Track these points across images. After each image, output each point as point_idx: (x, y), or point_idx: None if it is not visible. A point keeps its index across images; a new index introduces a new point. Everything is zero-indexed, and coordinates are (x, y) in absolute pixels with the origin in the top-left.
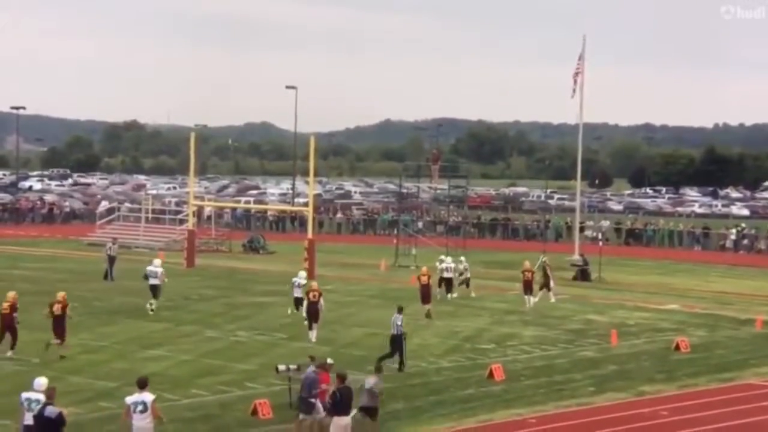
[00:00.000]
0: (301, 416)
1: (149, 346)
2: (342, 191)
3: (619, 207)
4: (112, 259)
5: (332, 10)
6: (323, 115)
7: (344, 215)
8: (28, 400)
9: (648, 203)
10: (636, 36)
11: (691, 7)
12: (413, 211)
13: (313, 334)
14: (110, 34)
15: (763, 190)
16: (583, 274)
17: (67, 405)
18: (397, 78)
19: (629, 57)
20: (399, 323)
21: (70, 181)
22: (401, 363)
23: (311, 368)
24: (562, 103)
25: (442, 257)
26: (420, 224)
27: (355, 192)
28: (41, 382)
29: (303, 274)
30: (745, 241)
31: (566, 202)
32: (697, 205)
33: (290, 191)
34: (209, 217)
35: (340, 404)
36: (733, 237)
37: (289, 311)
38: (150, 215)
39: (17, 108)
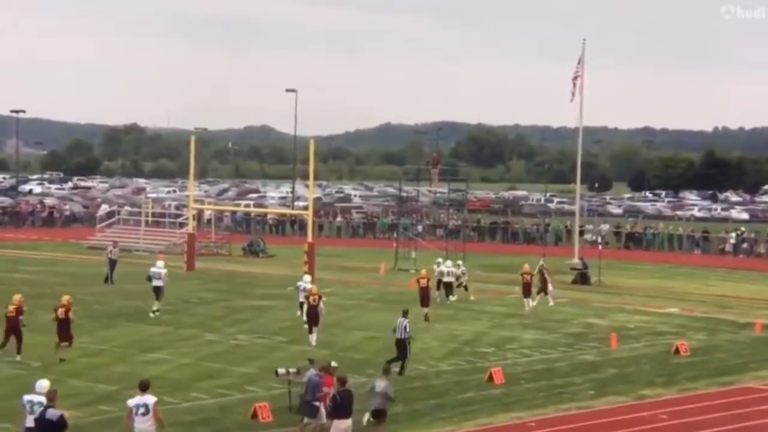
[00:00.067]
0: (305, 420)
1: (149, 350)
2: (342, 195)
3: (619, 210)
4: (113, 263)
5: (332, 10)
6: (323, 118)
7: (344, 219)
8: (30, 402)
9: (648, 207)
10: (636, 36)
11: (691, 7)
12: (413, 215)
13: (313, 338)
14: (110, 35)
15: (762, 194)
16: (582, 278)
17: (67, 408)
18: (396, 79)
19: (629, 59)
20: (405, 327)
21: (70, 184)
22: (402, 367)
23: (314, 371)
24: (561, 106)
25: (440, 259)
26: (420, 228)
27: (355, 195)
28: (43, 384)
29: (308, 278)
30: (745, 245)
31: (566, 206)
32: (696, 208)
33: (290, 195)
34: (209, 221)
35: (340, 407)
36: (732, 241)
37: (298, 314)
38: (150, 219)
39: (17, 111)
